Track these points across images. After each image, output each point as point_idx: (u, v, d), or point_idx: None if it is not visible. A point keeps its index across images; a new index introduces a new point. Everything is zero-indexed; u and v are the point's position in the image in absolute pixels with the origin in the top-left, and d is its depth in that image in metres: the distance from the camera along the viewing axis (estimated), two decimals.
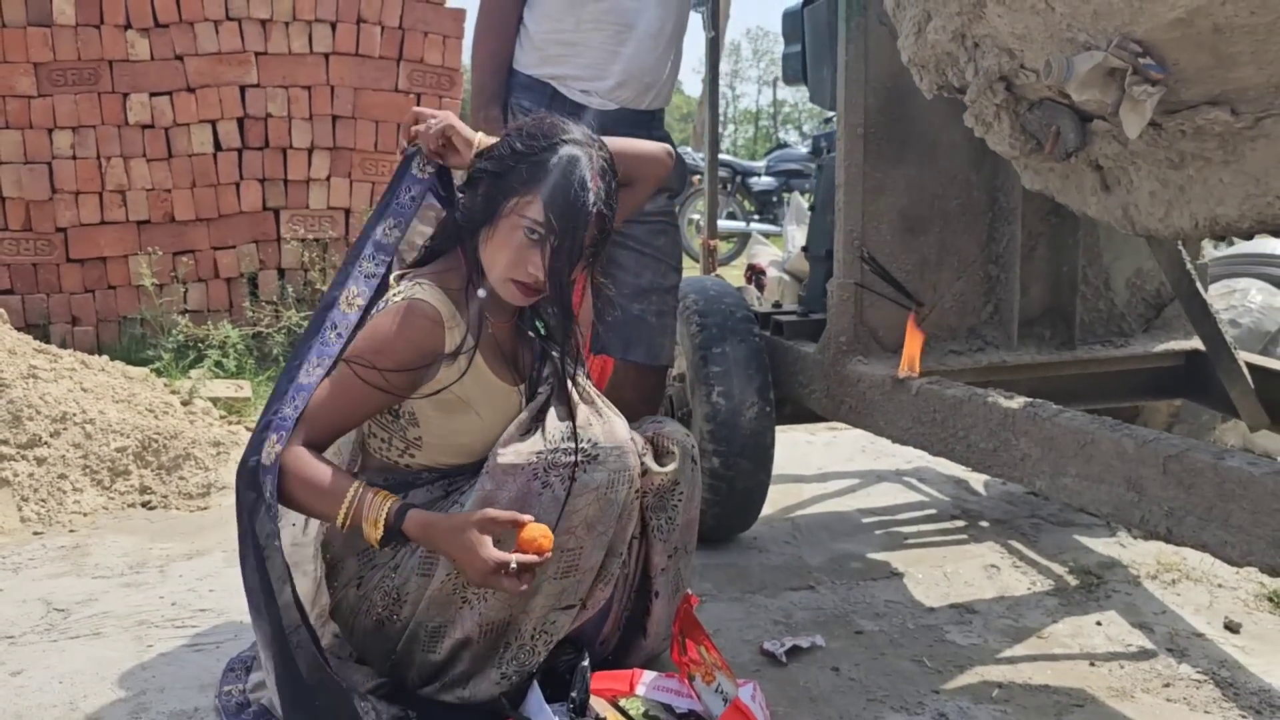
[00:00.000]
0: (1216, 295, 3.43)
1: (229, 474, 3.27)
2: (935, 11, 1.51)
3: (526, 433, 1.68)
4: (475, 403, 1.72)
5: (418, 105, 5.15)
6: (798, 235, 6.70)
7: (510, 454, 1.64)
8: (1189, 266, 2.24)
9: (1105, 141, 1.42)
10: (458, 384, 1.69)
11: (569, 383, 1.74)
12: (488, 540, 1.54)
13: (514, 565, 1.52)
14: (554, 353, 1.76)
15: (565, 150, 1.67)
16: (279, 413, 1.62)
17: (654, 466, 1.83)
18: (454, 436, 1.73)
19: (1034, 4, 1.28)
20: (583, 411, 1.71)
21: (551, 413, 1.69)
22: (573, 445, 1.64)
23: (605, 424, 1.71)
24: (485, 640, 1.69)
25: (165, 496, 3.13)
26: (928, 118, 2.34)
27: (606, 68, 2.30)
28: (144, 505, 3.08)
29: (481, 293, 1.70)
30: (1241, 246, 3.79)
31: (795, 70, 2.92)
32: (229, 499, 3.16)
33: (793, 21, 2.91)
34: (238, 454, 3.37)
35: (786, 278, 6.63)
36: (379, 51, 5.09)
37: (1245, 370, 2.27)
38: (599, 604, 1.78)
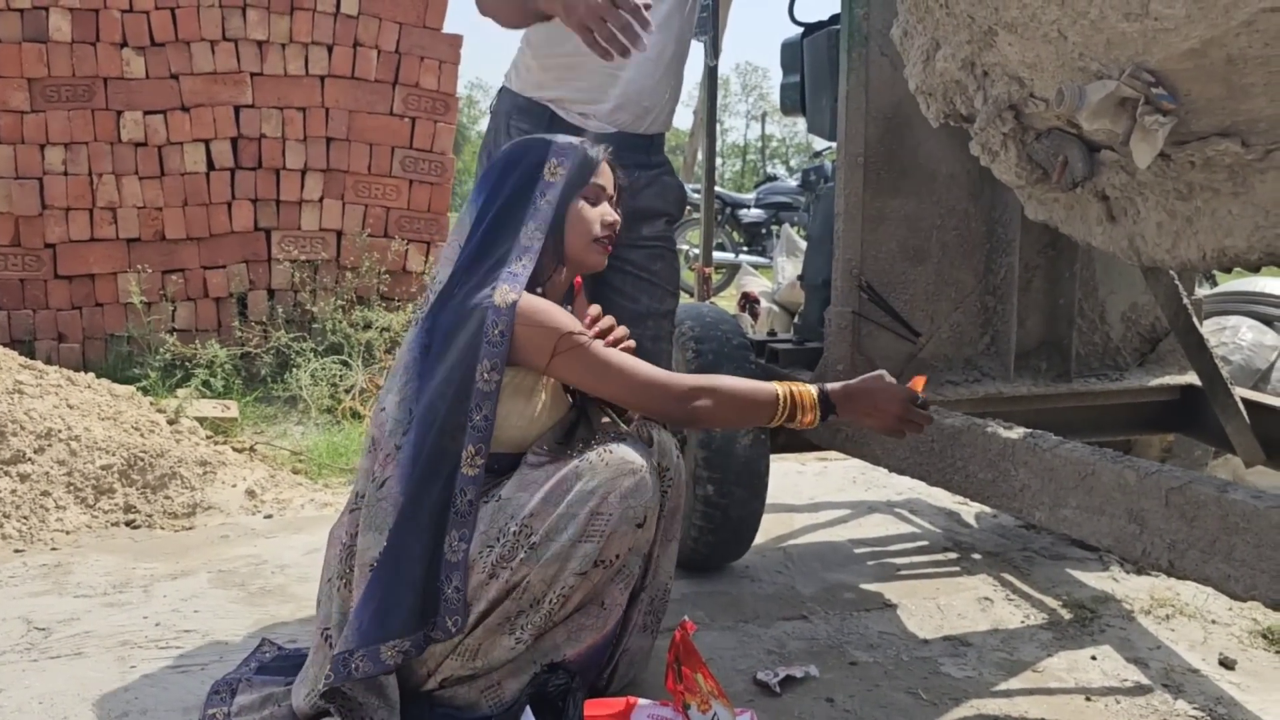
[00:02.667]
0: (1207, 332, 3.45)
1: (215, 494, 3.24)
2: (944, 40, 1.51)
3: (559, 443, 1.83)
4: (546, 389, 1.84)
5: (412, 129, 5.17)
6: (788, 267, 6.72)
7: (545, 449, 1.80)
8: (1185, 301, 2.25)
9: (1113, 172, 1.43)
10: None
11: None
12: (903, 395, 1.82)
13: (923, 397, 1.83)
14: None
15: (584, 145, 1.92)
16: (510, 268, 1.76)
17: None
18: (510, 422, 1.79)
19: (1046, 32, 1.29)
20: (606, 422, 1.88)
21: (583, 424, 1.87)
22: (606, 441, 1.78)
23: (629, 437, 1.84)
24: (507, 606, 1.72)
25: (150, 515, 3.09)
26: (927, 149, 2.35)
27: (605, 91, 2.30)
28: (128, 524, 3.04)
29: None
30: (1232, 284, 3.82)
31: (794, 101, 2.93)
32: (215, 519, 3.13)
33: (792, 52, 2.92)
34: (224, 473, 3.35)
35: (776, 309, 6.65)
36: (375, 75, 5.10)
37: (1241, 406, 2.27)
38: (616, 608, 1.80)
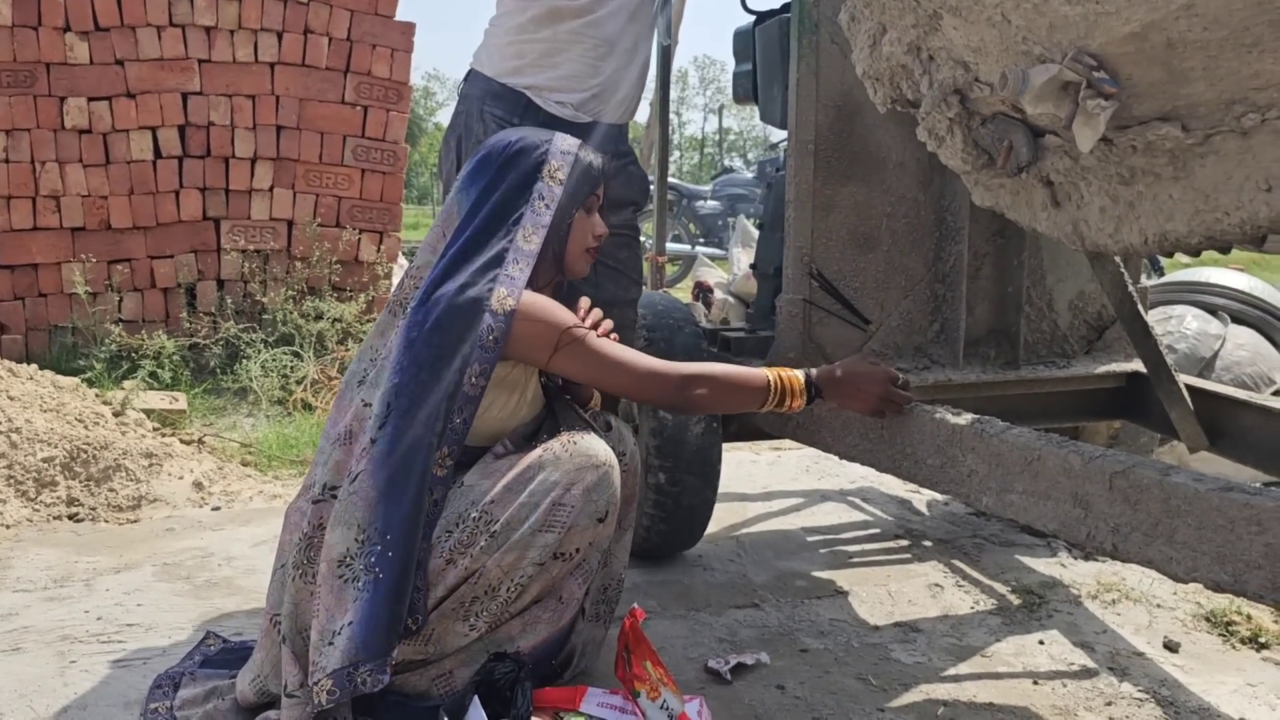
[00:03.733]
0: (1154, 321, 3.50)
1: (160, 486, 3.18)
2: (891, 24, 1.51)
3: (526, 437, 1.85)
4: (528, 384, 1.86)
5: (364, 118, 5.11)
6: (743, 258, 6.73)
7: (512, 442, 1.82)
8: (1131, 289, 2.27)
9: (1057, 157, 1.43)
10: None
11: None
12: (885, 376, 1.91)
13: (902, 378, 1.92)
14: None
15: (593, 155, 1.94)
16: (506, 270, 1.75)
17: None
18: (490, 414, 1.80)
19: (990, 16, 1.29)
20: (573, 417, 1.91)
21: (549, 421, 1.89)
22: (568, 430, 1.81)
23: (588, 428, 1.86)
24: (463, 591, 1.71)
25: (93, 509, 3.03)
26: (877, 137, 2.35)
27: (585, 80, 2.30)
28: (71, 518, 2.97)
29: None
30: (1178, 274, 3.88)
31: (746, 89, 2.93)
32: (161, 512, 3.08)
33: (744, 40, 2.92)
34: (171, 465, 3.29)
35: (731, 299, 6.65)
36: (326, 63, 5.03)
37: (1185, 392, 2.30)
38: (573, 601, 1.79)
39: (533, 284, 1.81)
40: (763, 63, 2.79)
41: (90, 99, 4.71)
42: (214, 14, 4.84)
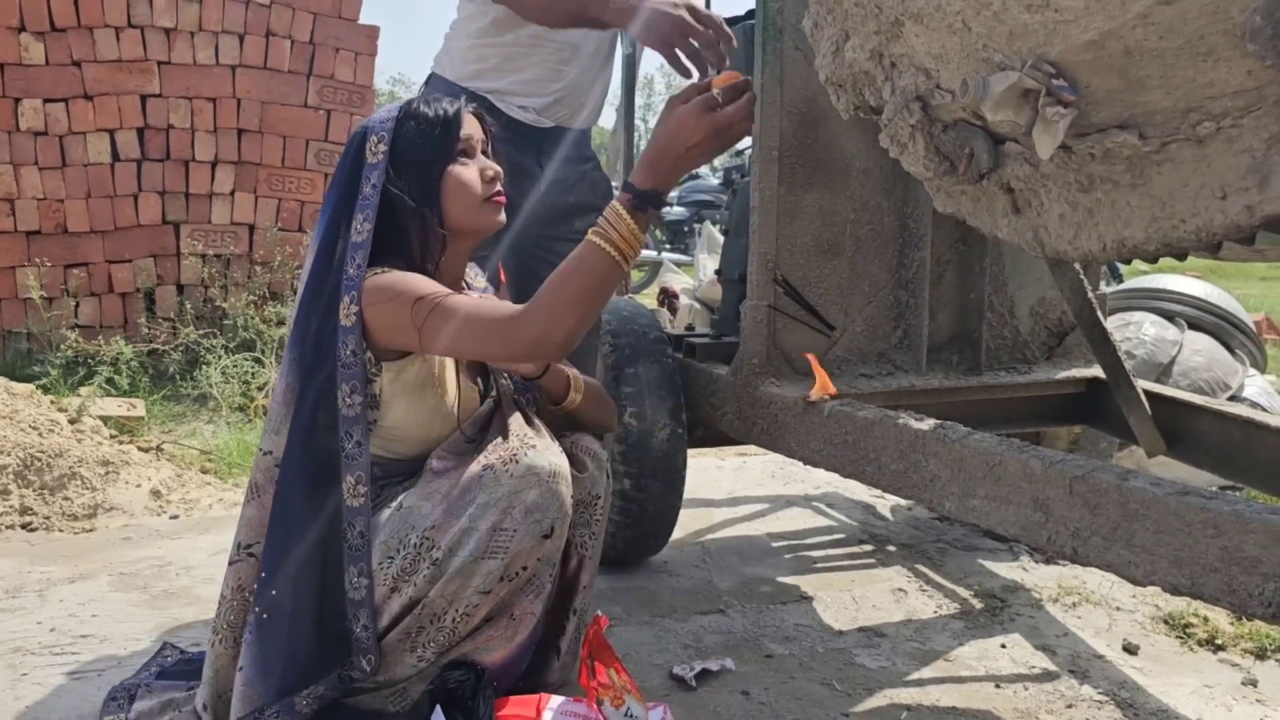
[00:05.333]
0: (1113, 327, 3.54)
1: (118, 494, 3.13)
2: (853, 30, 1.52)
3: (469, 442, 1.74)
4: (443, 382, 1.74)
5: (327, 121, 5.07)
6: (708, 264, 6.75)
7: (450, 453, 1.71)
8: (1090, 296, 2.29)
9: (1017, 164, 1.44)
10: (433, 359, 1.72)
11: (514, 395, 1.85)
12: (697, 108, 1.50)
13: (718, 94, 1.50)
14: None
15: (435, 105, 1.76)
16: (345, 274, 1.62)
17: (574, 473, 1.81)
18: (409, 421, 1.71)
19: (951, 23, 1.30)
20: (519, 421, 1.75)
21: (494, 423, 1.76)
22: (515, 438, 1.68)
23: (543, 439, 1.72)
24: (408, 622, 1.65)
25: (48, 518, 2.97)
26: (841, 143, 2.36)
27: (547, 85, 2.30)
28: (24, 527, 2.92)
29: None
30: (1136, 281, 3.93)
31: None
32: (117, 520, 3.03)
33: None
34: (128, 473, 3.24)
35: (697, 305, 6.66)
36: (288, 66, 4.99)
37: (1143, 398, 2.32)
38: (528, 617, 1.72)
39: (424, 264, 1.72)
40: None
41: (46, 100, 4.66)
42: (174, 15, 4.79)
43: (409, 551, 1.61)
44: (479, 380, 1.86)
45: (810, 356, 2.21)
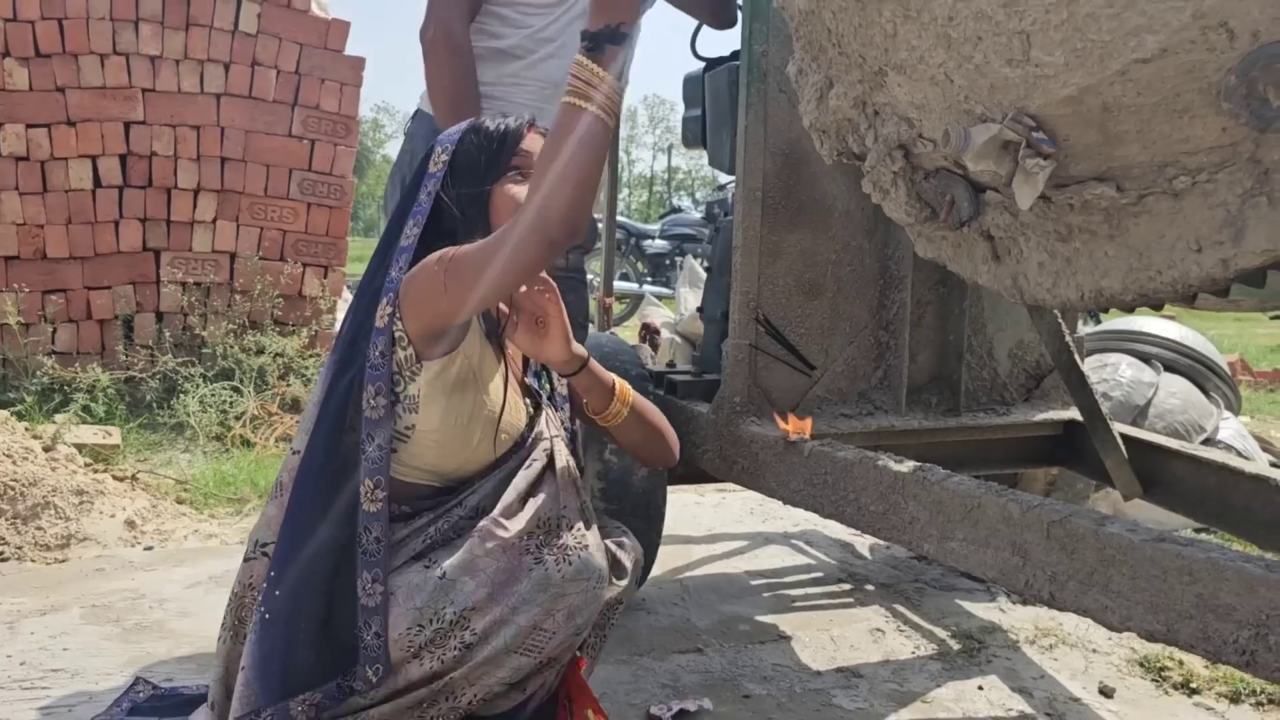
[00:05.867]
0: (1090, 369, 3.57)
1: (92, 524, 3.10)
2: (837, 79, 1.54)
3: (522, 500, 1.67)
4: (486, 383, 1.68)
5: (311, 151, 5.08)
6: (690, 298, 6.77)
7: (507, 526, 1.62)
8: (1068, 339, 2.32)
9: (997, 212, 1.46)
10: (475, 356, 1.66)
11: (566, 448, 1.79)
12: None
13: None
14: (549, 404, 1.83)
15: (499, 120, 1.73)
16: (387, 277, 1.60)
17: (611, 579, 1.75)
18: (447, 422, 1.63)
19: (933, 75, 1.32)
20: (573, 496, 1.71)
21: (547, 490, 1.69)
22: (567, 532, 1.64)
23: (590, 522, 1.70)
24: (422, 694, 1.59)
25: (20, 548, 2.94)
26: (824, 185, 2.39)
27: None
28: None
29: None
30: (1113, 323, 3.97)
31: (695, 134, 2.96)
32: (91, 551, 2.99)
33: (693, 86, 2.95)
34: (102, 503, 3.21)
35: (678, 339, 6.67)
36: (273, 95, 5.00)
37: (1120, 441, 2.35)
38: (540, 690, 1.69)
39: None
40: (712, 109, 2.82)
41: (29, 126, 4.63)
42: (159, 43, 4.79)
43: (442, 626, 1.55)
44: (528, 400, 1.82)
45: (775, 415, 2.23)
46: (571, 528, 1.66)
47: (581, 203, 1.47)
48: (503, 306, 1.73)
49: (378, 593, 1.55)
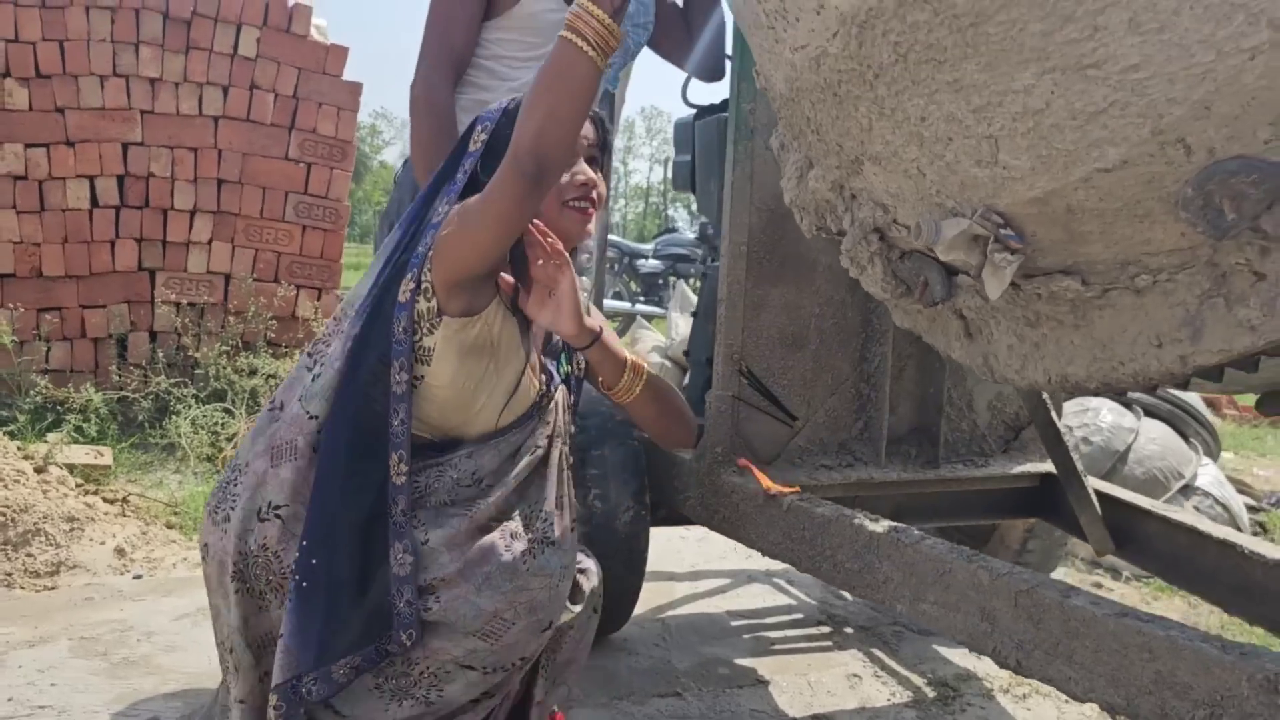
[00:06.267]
0: (1070, 414, 3.62)
1: (81, 551, 3.13)
2: (816, 161, 1.59)
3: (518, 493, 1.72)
4: (500, 354, 1.68)
5: (307, 174, 5.11)
6: (681, 323, 6.82)
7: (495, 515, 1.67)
8: (1045, 395, 2.36)
9: (969, 295, 1.51)
10: (496, 326, 1.65)
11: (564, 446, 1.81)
12: None
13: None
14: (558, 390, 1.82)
15: None
16: (414, 252, 1.61)
17: (566, 603, 1.79)
18: (455, 383, 1.66)
19: (907, 169, 1.37)
20: (554, 491, 1.75)
21: (535, 484, 1.74)
22: (542, 523, 1.69)
23: (567, 521, 1.75)
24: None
25: (9, 575, 2.97)
26: (808, 241, 2.42)
27: None
28: None
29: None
30: None
31: (685, 179, 3.01)
32: (80, 579, 3.02)
33: (684, 133, 3.00)
34: (93, 530, 3.24)
35: (669, 364, 6.73)
36: (271, 118, 5.04)
37: (1094, 498, 2.39)
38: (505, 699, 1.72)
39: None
40: (701, 158, 2.87)
41: (28, 145, 4.67)
42: (159, 65, 4.83)
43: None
44: (543, 376, 1.80)
45: (746, 463, 2.27)
46: (548, 522, 1.70)
47: (548, 132, 1.45)
48: (508, 278, 1.71)
49: (408, 562, 1.59)
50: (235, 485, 1.65)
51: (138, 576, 3.08)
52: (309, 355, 1.73)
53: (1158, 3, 1.06)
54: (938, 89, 1.24)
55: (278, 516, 1.63)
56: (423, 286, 1.60)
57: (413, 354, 1.62)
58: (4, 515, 3.09)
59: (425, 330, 1.62)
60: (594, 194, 1.71)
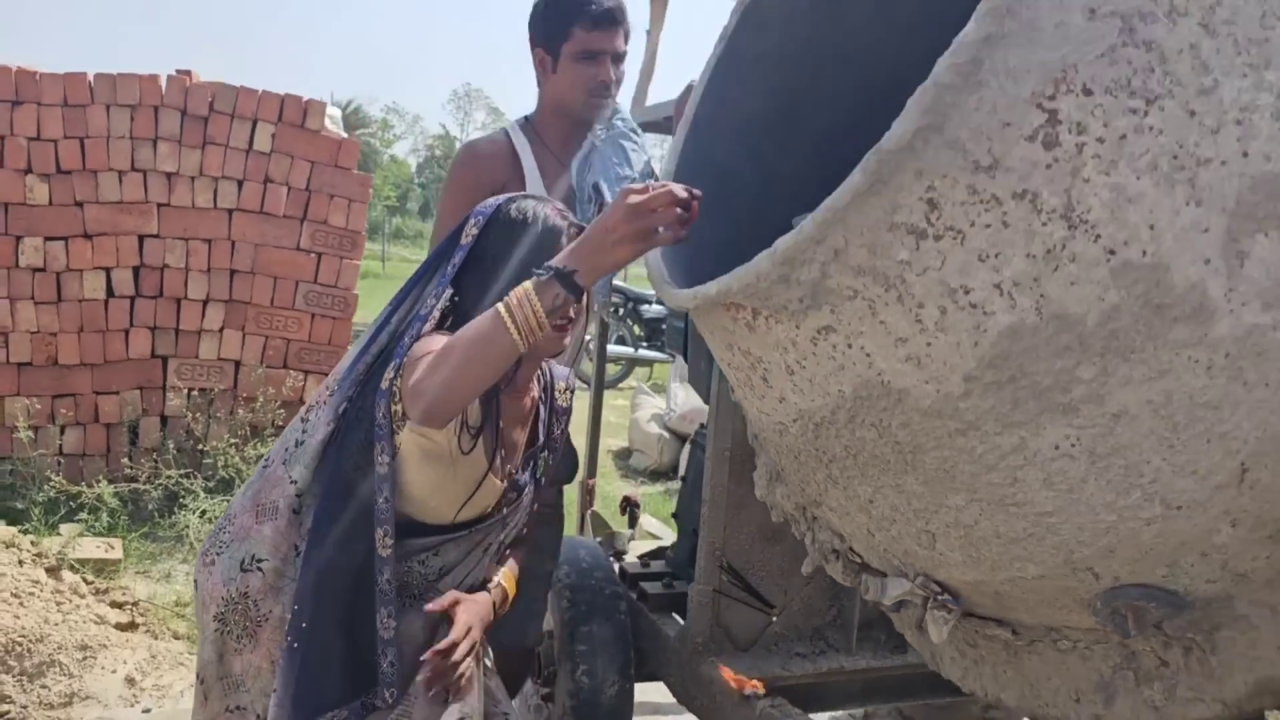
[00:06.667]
0: None
1: (94, 681, 3.29)
2: (784, 478, 1.73)
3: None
4: (458, 464, 1.77)
5: (317, 264, 5.27)
6: (680, 394, 6.97)
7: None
8: None
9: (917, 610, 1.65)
10: (454, 438, 1.74)
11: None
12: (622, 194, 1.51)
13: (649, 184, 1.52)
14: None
15: (520, 204, 1.81)
16: (400, 342, 1.72)
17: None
18: (416, 482, 1.77)
19: (856, 528, 1.51)
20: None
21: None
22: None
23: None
24: None
25: (25, 707, 3.12)
26: None
27: None
28: (1, 715, 3.06)
29: None
30: None
31: (677, 343, 3.14)
32: (91, 711, 3.18)
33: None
34: (104, 657, 3.39)
35: (667, 435, 6.88)
36: (283, 210, 5.20)
37: None
38: None
39: None
40: (694, 337, 3.00)
41: (47, 239, 4.83)
42: (176, 160, 4.99)
43: None
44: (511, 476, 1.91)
45: (723, 670, 2.40)
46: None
47: (451, 389, 1.53)
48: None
49: (391, 627, 1.75)
50: (224, 533, 1.84)
51: (146, 710, 3.23)
52: (301, 419, 1.87)
53: (1068, 470, 1.21)
54: (883, 485, 1.38)
55: (259, 569, 1.80)
56: (394, 389, 1.71)
57: (392, 437, 1.73)
58: (21, 645, 3.25)
59: (396, 426, 1.75)
60: (572, 312, 1.74)
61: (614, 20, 2.43)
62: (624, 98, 2.69)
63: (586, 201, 2.47)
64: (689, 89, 2.55)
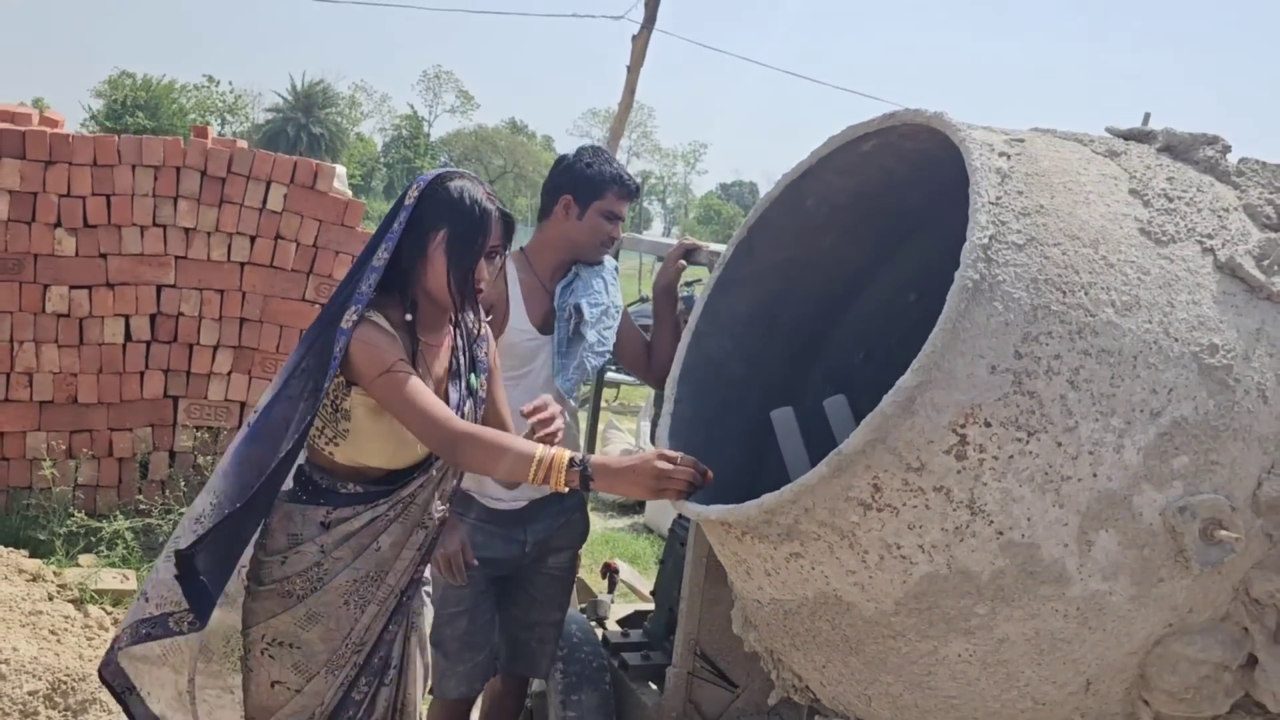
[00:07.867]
0: None
1: None
2: (756, 628, 2.18)
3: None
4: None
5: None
6: (647, 431, 7.42)
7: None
8: None
9: None
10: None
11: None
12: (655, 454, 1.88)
13: (681, 458, 1.88)
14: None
15: (456, 183, 2.12)
16: (358, 289, 2.01)
17: None
18: (374, 437, 2.08)
19: (813, 676, 1.97)
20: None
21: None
22: None
23: None
24: None
25: None
26: None
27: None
28: None
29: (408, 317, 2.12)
30: None
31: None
32: None
33: None
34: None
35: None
36: (292, 265, 5.56)
37: None
38: None
39: (394, 312, 2.07)
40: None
41: (72, 287, 5.17)
42: (195, 217, 5.35)
43: (277, 665, 2.17)
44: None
45: None
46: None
47: (471, 467, 2.05)
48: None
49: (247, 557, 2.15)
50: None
51: None
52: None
53: (967, 671, 1.67)
54: (833, 659, 1.84)
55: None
56: (334, 373, 1.99)
57: (340, 371, 2.01)
58: (65, 684, 3.63)
59: (343, 394, 2.05)
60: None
61: (637, 195, 2.90)
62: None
63: (565, 320, 2.89)
64: (679, 245, 3.01)
